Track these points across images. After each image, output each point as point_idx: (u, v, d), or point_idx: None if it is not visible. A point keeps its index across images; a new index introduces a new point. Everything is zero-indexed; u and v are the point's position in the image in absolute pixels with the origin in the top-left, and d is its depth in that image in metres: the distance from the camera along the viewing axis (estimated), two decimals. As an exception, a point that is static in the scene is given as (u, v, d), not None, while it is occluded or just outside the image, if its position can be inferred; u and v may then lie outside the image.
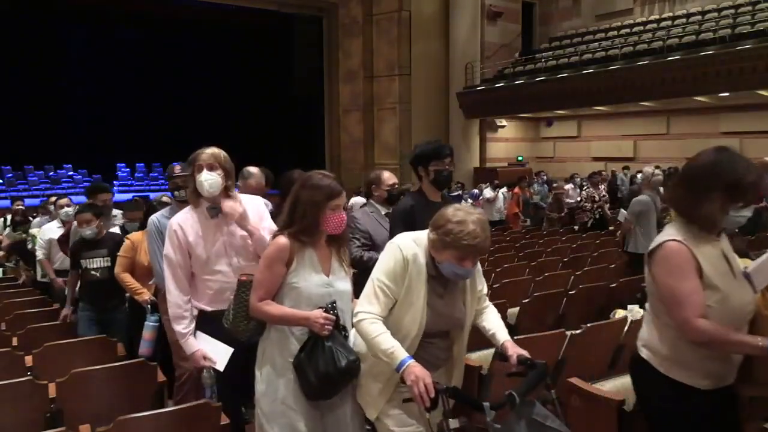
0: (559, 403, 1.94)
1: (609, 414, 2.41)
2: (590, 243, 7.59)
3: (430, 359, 2.02)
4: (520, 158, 18.35)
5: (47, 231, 5.32)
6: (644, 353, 1.99)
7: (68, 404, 2.59)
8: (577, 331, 2.95)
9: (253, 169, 3.93)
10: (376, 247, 3.39)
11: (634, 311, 3.51)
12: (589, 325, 3.04)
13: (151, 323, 3.42)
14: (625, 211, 7.48)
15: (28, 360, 3.17)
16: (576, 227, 9.35)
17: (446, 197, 3.24)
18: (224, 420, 2.31)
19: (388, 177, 3.69)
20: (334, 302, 2.13)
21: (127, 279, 3.75)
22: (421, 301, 1.98)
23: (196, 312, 2.60)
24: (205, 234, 2.56)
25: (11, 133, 15.98)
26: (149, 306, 3.51)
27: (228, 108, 19.42)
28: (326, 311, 2.08)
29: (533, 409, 1.78)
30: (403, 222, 2.90)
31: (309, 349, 2.08)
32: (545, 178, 14.14)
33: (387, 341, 1.90)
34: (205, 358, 2.50)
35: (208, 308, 2.56)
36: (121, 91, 18.28)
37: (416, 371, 1.81)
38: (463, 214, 1.92)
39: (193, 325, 2.56)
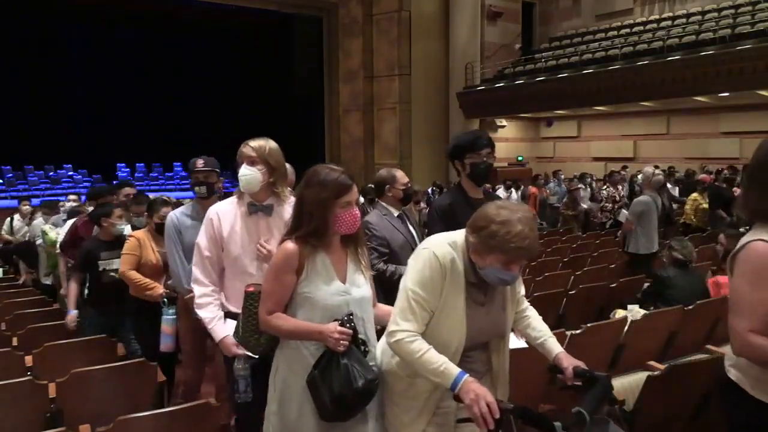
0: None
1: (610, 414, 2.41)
2: (590, 243, 7.60)
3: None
4: (520, 158, 18.35)
5: (62, 232, 5.10)
6: (733, 374, 1.79)
7: (68, 404, 2.59)
8: (577, 331, 2.95)
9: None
10: (394, 254, 3.19)
11: (634, 311, 3.51)
12: (589, 325, 3.04)
13: (169, 317, 3.31)
14: (626, 212, 7.48)
15: (28, 360, 3.18)
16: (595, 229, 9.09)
17: (489, 194, 2.97)
18: (224, 420, 2.30)
19: (402, 176, 3.43)
20: (351, 314, 1.92)
21: (135, 276, 3.58)
22: (460, 311, 1.79)
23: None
24: (241, 230, 2.40)
25: (11, 133, 15.97)
26: (164, 300, 3.37)
27: (228, 108, 19.41)
28: (342, 324, 1.88)
29: (608, 428, 1.61)
30: (442, 221, 2.68)
31: (323, 365, 1.88)
32: (562, 177, 13.40)
33: (434, 358, 1.70)
34: (237, 345, 2.28)
35: (234, 309, 2.38)
36: (121, 91, 18.27)
37: (475, 388, 1.61)
38: (507, 212, 1.70)
39: (220, 313, 2.42)
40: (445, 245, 1.80)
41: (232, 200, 2.47)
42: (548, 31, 19.36)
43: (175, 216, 3.13)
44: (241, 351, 2.25)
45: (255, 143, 2.45)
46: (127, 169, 18.39)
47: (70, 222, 5.38)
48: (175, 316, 3.29)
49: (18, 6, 15.94)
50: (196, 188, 3.14)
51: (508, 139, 18.46)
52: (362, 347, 1.92)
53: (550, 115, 17.84)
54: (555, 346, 1.93)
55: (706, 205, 8.32)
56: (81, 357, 3.11)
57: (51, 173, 17.32)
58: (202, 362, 3.26)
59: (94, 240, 4.00)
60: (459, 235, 1.83)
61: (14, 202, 12.54)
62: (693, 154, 14.36)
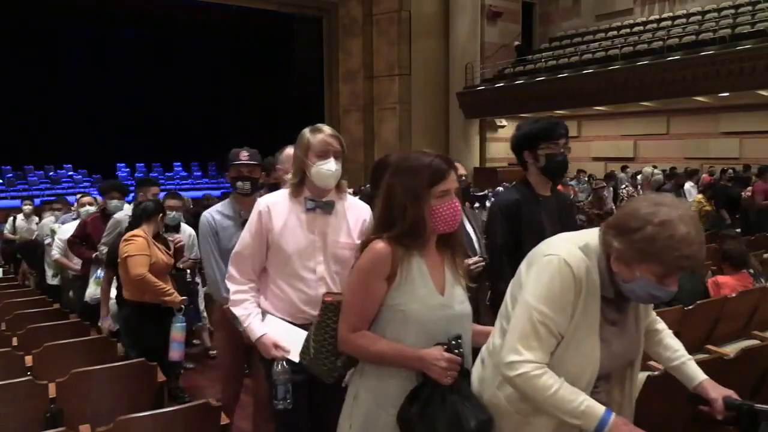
0: None
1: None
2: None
3: None
4: (520, 158, 18.35)
5: (66, 231, 5.08)
6: None
7: (68, 404, 2.59)
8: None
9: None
10: None
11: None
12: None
13: (180, 323, 3.23)
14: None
15: (28, 360, 3.17)
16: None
17: (559, 192, 2.65)
18: (224, 420, 2.30)
19: (458, 167, 3.07)
20: (459, 337, 1.55)
21: (154, 280, 3.36)
22: (595, 335, 1.45)
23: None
24: (296, 228, 2.09)
25: (11, 133, 15.98)
26: (181, 307, 3.29)
27: (228, 108, 19.43)
28: (448, 349, 1.51)
29: None
30: (505, 222, 2.39)
31: (423, 401, 1.52)
32: (586, 177, 13.03)
33: (571, 395, 1.39)
34: (276, 346, 2.02)
35: (277, 315, 2.11)
36: (121, 91, 18.27)
37: (630, 431, 1.36)
38: (666, 210, 1.34)
39: (257, 310, 2.11)
40: (576, 251, 1.44)
41: (284, 193, 2.16)
42: (548, 31, 19.36)
43: (210, 216, 2.81)
44: (279, 353, 2.02)
45: (331, 130, 2.12)
46: (127, 169, 18.39)
47: (72, 223, 5.35)
48: (185, 323, 3.25)
49: (18, 6, 15.94)
50: (239, 183, 2.83)
51: (509, 139, 18.41)
52: (469, 378, 1.59)
53: (550, 115, 17.84)
54: (697, 372, 1.59)
55: (709, 208, 8.31)
56: (81, 357, 3.10)
57: (51, 173, 17.32)
58: (241, 379, 3.03)
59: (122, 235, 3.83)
60: (590, 237, 1.47)
61: (14, 202, 12.56)
62: (693, 154, 14.36)
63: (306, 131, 2.12)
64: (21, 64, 16.63)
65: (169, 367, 3.42)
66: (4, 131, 15.68)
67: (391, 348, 1.56)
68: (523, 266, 1.53)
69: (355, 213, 2.17)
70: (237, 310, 2.12)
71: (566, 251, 1.44)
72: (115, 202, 4.61)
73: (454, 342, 1.53)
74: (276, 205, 2.11)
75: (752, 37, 11.94)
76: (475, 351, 1.71)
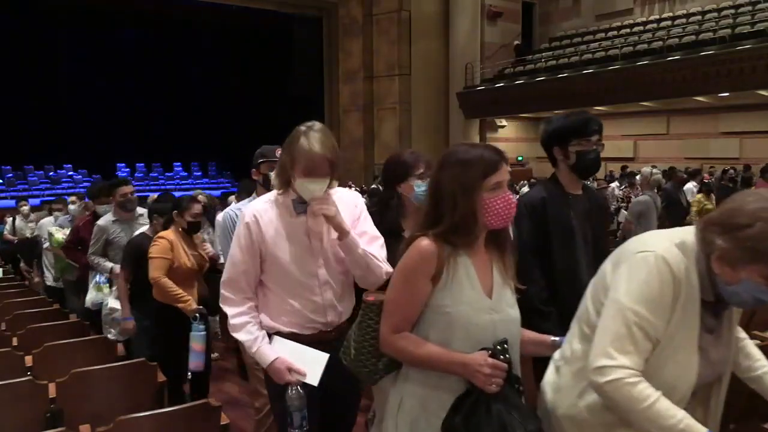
0: None
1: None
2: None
3: None
4: (520, 158, 18.36)
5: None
6: None
7: (68, 404, 2.58)
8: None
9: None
10: None
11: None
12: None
13: (199, 333, 3.06)
14: (626, 212, 7.49)
15: (28, 360, 3.17)
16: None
17: (590, 189, 2.52)
18: (224, 420, 2.31)
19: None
20: (505, 342, 1.46)
21: (170, 285, 3.23)
22: (693, 343, 1.32)
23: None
24: (288, 233, 1.95)
25: (11, 133, 15.99)
26: (196, 315, 3.12)
27: (228, 108, 19.44)
28: (493, 355, 1.43)
29: None
30: (532, 221, 2.26)
31: (467, 410, 1.44)
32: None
33: (670, 410, 1.24)
34: (290, 370, 1.89)
35: (284, 329, 1.98)
36: (121, 91, 18.30)
37: None
38: None
39: (262, 332, 1.96)
40: (673, 248, 1.31)
41: (268, 198, 2.02)
42: (548, 31, 19.37)
43: (233, 212, 2.70)
44: (294, 378, 1.87)
45: (325, 148, 1.88)
46: (127, 169, 18.42)
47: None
48: (205, 332, 3.08)
49: (18, 6, 15.95)
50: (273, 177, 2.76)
51: (508, 139, 18.46)
52: (517, 386, 1.49)
53: (550, 115, 17.82)
54: None
55: (710, 206, 8.32)
56: (81, 357, 3.10)
57: (51, 173, 17.34)
58: None
59: (142, 234, 3.72)
60: (686, 235, 1.34)
61: (14, 203, 12.55)
62: (693, 154, 14.37)
63: (301, 138, 1.89)
64: (21, 64, 16.64)
65: (189, 377, 3.31)
66: (4, 131, 15.69)
67: (434, 352, 1.47)
68: (607, 266, 1.42)
69: (346, 203, 2.00)
70: (241, 336, 1.96)
71: (663, 248, 1.31)
72: (105, 207, 4.48)
73: (499, 347, 1.44)
74: (263, 214, 1.96)
75: (752, 37, 11.95)
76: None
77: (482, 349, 1.45)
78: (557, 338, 1.62)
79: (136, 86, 18.53)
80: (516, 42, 18.28)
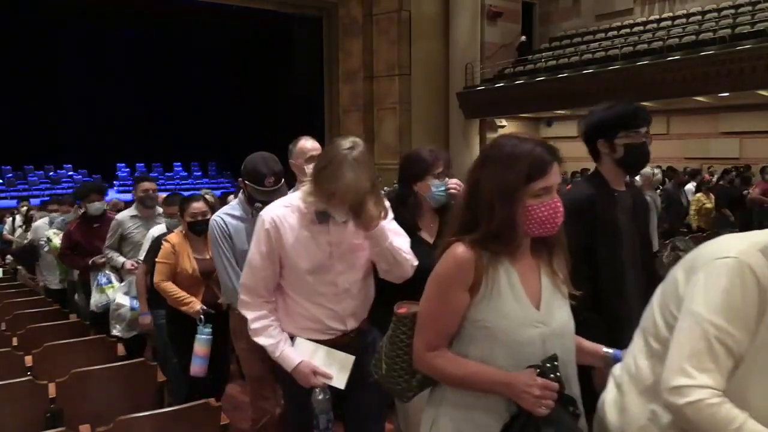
0: None
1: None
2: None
3: None
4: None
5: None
6: None
7: (68, 404, 2.59)
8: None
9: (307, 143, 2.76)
10: None
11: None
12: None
13: (204, 336, 2.95)
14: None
15: (28, 360, 3.17)
16: None
17: (634, 187, 2.35)
18: (224, 420, 2.30)
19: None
20: (555, 359, 1.31)
21: (170, 288, 3.17)
22: None
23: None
24: (308, 241, 1.89)
25: (11, 133, 16.00)
26: (201, 317, 3.01)
27: (228, 108, 19.46)
28: (542, 374, 1.28)
29: None
30: (577, 221, 2.01)
31: None
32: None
33: None
34: (315, 372, 1.85)
35: (303, 334, 1.95)
36: (121, 91, 18.32)
37: None
38: None
39: (284, 335, 1.93)
40: (756, 253, 1.16)
41: (288, 202, 1.97)
42: (548, 31, 19.36)
43: (220, 219, 2.62)
44: (320, 381, 1.84)
45: (365, 175, 1.76)
46: (127, 169, 18.43)
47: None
48: (211, 336, 2.96)
49: (18, 6, 15.95)
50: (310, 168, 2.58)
51: (508, 139, 18.46)
52: (571, 408, 1.33)
53: (550, 115, 17.84)
54: None
55: (709, 205, 8.33)
56: (81, 357, 3.10)
57: (51, 173, 17.34)
58: (273, 391, 2.72)
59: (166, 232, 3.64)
60: (763, 238, 1.20)
61: (14, 203, 12.57)
62: (693, 154, 14.36)
63: (346, 168, 1.76)
64: (21, 63, 16.65)
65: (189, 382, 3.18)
66: (4, 131, 15.70)
67: (474, 371, 1.33)
68: (679, 273, 1.26)
69: None
70: (261, 340, 1.93)
71: (746, 253, 1.16)
72: (96, 204, 4.46)
73: (549, 365, 1.29)
74: (283, 220, 1.91)
75: (752, 37, 11.94)
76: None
77: (529, 366, 1.30)
78: (609, 350, 1.49)
79: (136, 86, 18.55)
80: (523, 38, 18.25)
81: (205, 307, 3.04)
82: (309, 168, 2.61)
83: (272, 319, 1.94)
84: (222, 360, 3.25)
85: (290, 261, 1.89)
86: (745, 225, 8.11)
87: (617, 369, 1.40)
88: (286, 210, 1.93)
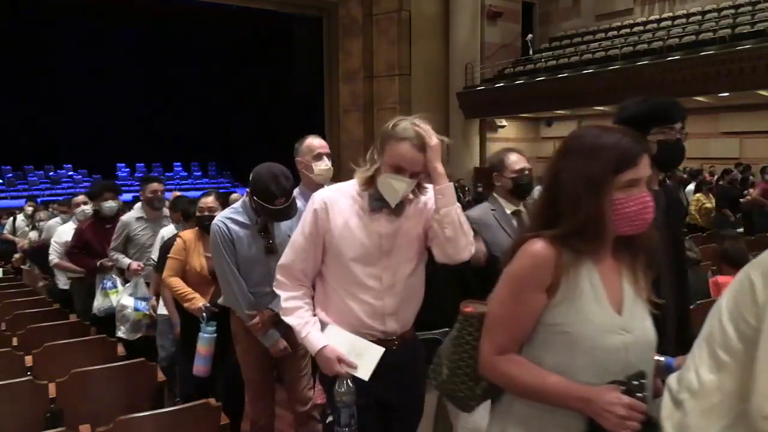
0: None
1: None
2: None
3: None
4: (520, 158, 18.36)
5: (63, 233, 4.94)
6: None
7: (68, 404, 2.59)
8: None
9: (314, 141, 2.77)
10: (493, 262, 2.39)
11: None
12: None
13: (207, 335, 2.86)
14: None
15: (28, 360, 3.17)
16: None
17: (668, 185, 2.24)
18: (224, 420, 2.30)
19: (515, 161, 2.60)
20: (643, 375, 1.19)
21: (176, 283, 3.12)
22: None
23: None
24: (357, 228, 1.79)
25: (11, 133, 16.00)
26: (204, 314, 2.93)
27: (228, 108, 19.45)
28: (628, 391, 1.15)
29: None
30: None
31: None
32: None
33: None
34: (340, 360, 1.75)
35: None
36: (121, 91, 18.32)
37: None
38: None
39: (314, 318, 1.84)
40: None
41: (342, 187, 1.88)
42: (548, 31, 19.36)
43: (223, 224, 2.54)
44: (344, 369, 1.73)
45: (418, 134, 1.69)
46: (127, 169, 18.44)
47: (66, 225, 5.05)
48: (214, 335, 2.87)
49: (18, 6, 15.95)
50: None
51: (508, 139, 18.46)
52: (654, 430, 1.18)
53: (550, 115, 17.85)
54: None
55: (709, 205, 8.33)
56: (81, 357, 3.10)
57: (51, 173, 17.35)
58: (273, 395, 2.76)
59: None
60: None
61: (14, 202, 12.58)
62: (693, 154, 14.30)
63: (393, 129, 1.74)
64: (21, 63, 16.65)
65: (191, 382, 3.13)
66: (4, 131, 15.70)
67: (550, 382, 1.20)
68: (755, 277, 1.08)
69: (425, 200, 1.84)
70: (291, 320, 1.85)
71: None
72: (109, 203, 4.40)
73: (636, 382, 1.16)
74: (335, 202, 1.81)
75: (752, 37, 11.94)
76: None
77: (612, 382, 1.17)
78: (661, 358, 1.38)
79: (136, 86, 18.55)
80: (530, 35, 18.25)
81: (208, 304, 2.97)
82: (316, 165, 2.66)
83: (305, 301, 1.87)
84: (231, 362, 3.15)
85: (335, 247, 1.80)
86: (746, 225, 8.12)
87: (674, 383, 1.22)
88: (338, 194, 1.84)
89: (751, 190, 8.40)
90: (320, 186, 2.57)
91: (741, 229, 7.67)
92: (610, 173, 1.20)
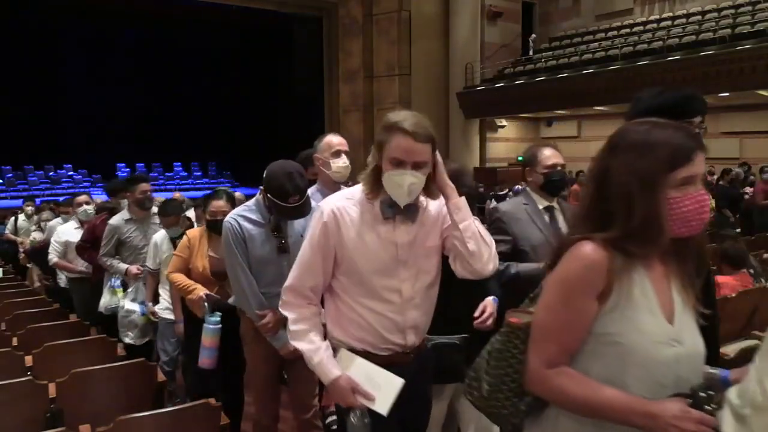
0: None
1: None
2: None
3: None
4: (520, 158, 18.34)
5: (63, 233, 4.94)
6: None
7: (68, 404, 2.58)
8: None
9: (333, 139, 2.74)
10: (521, 255, 2.42)
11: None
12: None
13: (212, 326, 2.77)
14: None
15: (28, 360, 3.17)
16: None
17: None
18: (224, 420, 2.30)
19: (549, 156, 2.54)
20: (709, 387, 1.12)
21: (177, 278, 3.08)
22: None
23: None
24: (371, 238, 1.68)
25: (11, 133, 15.99)
26: (206, 304, 2.86)
27: (228, 108, 19.44)
28: (696, 404, 1.08)
29: None
30: None
31: None
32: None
33: None
34: (354, 390, 1.63)
35: (357, 345, 1.72)
36: (122, 91, 18.31)
37: None
38: None
39: (326, 343, 1.71)
40: None
41: (352, 193, 1.75)
42: (548, 31, 19.36)
43: (235, 221, 2.48)
44: (359, 401, 1.61)
45: (414, 124, 1.58)
46: (127, 169, 18.41)
47: (66, 224, 5.08)
48: (219, 326, 2.79)
49: (18, 6, 15.95)
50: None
51: (508, 139, 18.48)
52: None
53: (550, 115, 17.85)
54: None
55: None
56: (81, 357, 3.10)
57: (51, 173, 17.34)
58: (278, 398, 2.70)
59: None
60: None
61: (14, 202, 12.57)
62: (693, 154, 14.37)
63: (383, 123, 1.67)
64: (21, 63, 16.64)
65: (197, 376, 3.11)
66: (4, 131, 15.69)
67: (607, 396, 1.12)
68: None
69: (439, 205, 1.75)
70: (301, 345, 1.71)
71: None
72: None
73: (704, 394, 1.08)
74: (344, 212, 1.69)
75: (752, 37, 11.94)
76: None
77: (677, 394, 1.10)
78: (715, 371, 1.28)
79: (136, 86, 18.54)
80: (533, 36, 18.25)
81: (209, 293, 2.91)
82: (334, 162, 2.66)
83: (314, 323, 1.73)
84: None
85: (348, 258, 1.68)
86: (746, 225, 8.12)
87: (734, 397, 1.11)
88: (348, 202, 1.72)
89: (749, 189, 8.40)
90: (337, 184, 2.64)
91: (738, 230, 7.66)
92: (664, 170, 1.12)
